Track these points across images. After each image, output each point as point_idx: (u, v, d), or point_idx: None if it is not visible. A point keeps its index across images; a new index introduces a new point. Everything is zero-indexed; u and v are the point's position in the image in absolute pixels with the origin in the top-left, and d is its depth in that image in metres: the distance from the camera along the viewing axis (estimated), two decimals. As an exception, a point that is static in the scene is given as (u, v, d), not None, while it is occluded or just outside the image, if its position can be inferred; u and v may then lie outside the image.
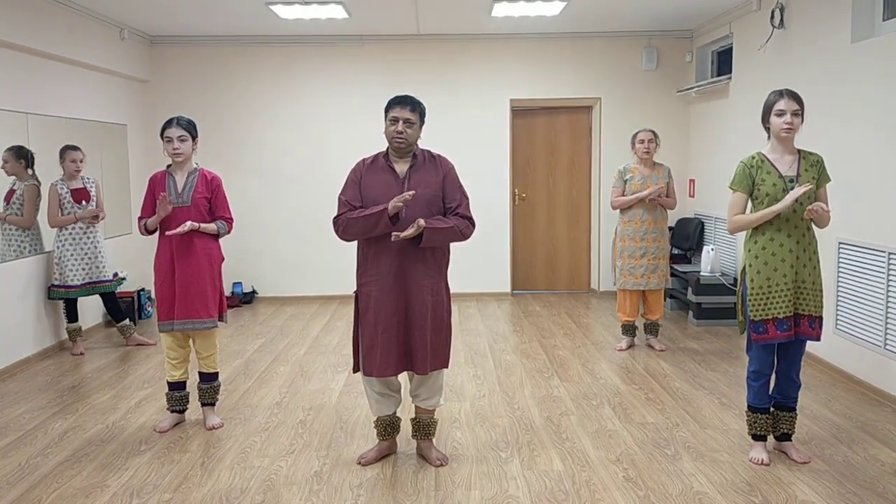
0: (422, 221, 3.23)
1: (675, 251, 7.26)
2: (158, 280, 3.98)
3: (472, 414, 4.31)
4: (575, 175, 8.08)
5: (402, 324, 3.41)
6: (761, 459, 3.52)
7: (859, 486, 3.29)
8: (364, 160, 3.53)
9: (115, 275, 5.93)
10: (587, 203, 8.11)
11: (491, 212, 7.61)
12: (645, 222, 5.43)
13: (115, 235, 6.68)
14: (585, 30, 7.50)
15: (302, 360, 5.52)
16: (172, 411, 4.15)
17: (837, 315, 4.89)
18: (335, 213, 3.47)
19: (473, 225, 3.47)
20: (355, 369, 3.57)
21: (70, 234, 5.60)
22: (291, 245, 7.87)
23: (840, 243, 4.83)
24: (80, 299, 5.84)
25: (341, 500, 3.24)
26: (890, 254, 4.36)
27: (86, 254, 5.66)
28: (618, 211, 5.57)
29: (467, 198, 3.51)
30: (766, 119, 3.49)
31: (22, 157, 5.51)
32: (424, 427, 3.62)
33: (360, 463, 3.60)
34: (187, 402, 4.18)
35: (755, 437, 3.60)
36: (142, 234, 4.02)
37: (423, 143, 3.54)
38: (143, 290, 6.99)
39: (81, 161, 5.69)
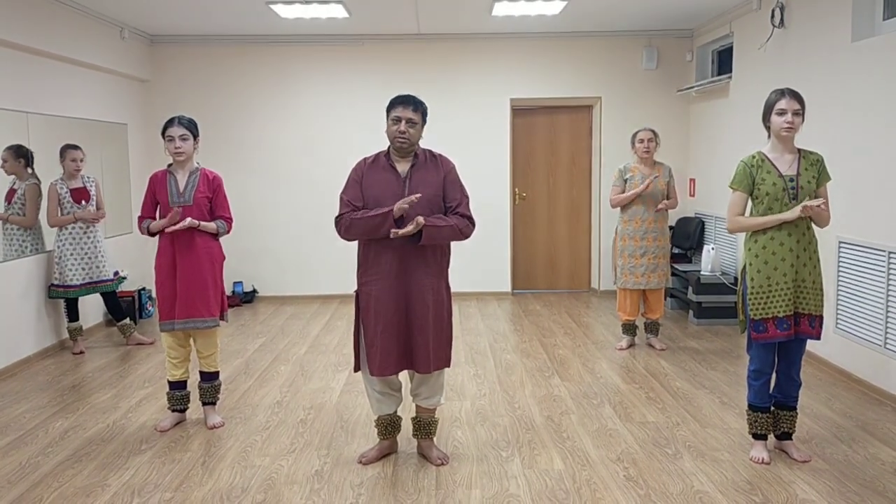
0: (421, 219, 3.23)
1: (676, 250, 7.26)
2: (159, 279, 3.98)
3: (472, 413, 4.31)
4: (575, 174, 8.08)
5: (402, 323, 3.41)
6: (762, 458, 3.52)
7: (860, 484, 3.29)
8: (365, 159, 3.53)
9: (116, 274, 5.93)
10: (587, 202, 8.11)
11: (491, 211, 7.61)
12: (645, 221, 5.43)
13: (115, 235, 6.68)
14: (586, 29, 7.50)
15: (302, 360, 5.52)
16: (173, 410, 4.15)
17: (838, 314, 4.90)
18: (337, 213, 3.47)
19: (473, 224, 3.48)
20: (356, 368, 3.57)
21: (70, 233, 5.60)
22: (292, 244, 7.87)
23: (840, 242, 4.83)
24: (80, 298, 5.84)
25: (342, 499, 3.24)
26: (890, 253, 4.36)
27: (86, 253, 5.66)
28: (618, 210, 5.57)
29: (467, 197, 3.51)
30: (766, 118, 3.49)
31: (21, 155, 5.51)
32: (425, 426, 3.62)
33: (360, 462, 3.60)
34: (188, 401, 4.18)
35: (756, 436, 3.60)
36: (142, 233, 4.02)
37: (423, 143, 3.55)
38: (143, 289, 6.99)
39: (81, 160, 5.69)
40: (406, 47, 7.66)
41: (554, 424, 4.10)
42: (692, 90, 7.23)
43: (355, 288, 3.53)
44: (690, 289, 6.49)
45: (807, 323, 3.44)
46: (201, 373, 4.16)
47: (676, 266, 6.86)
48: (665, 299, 6.02)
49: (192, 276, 3.94)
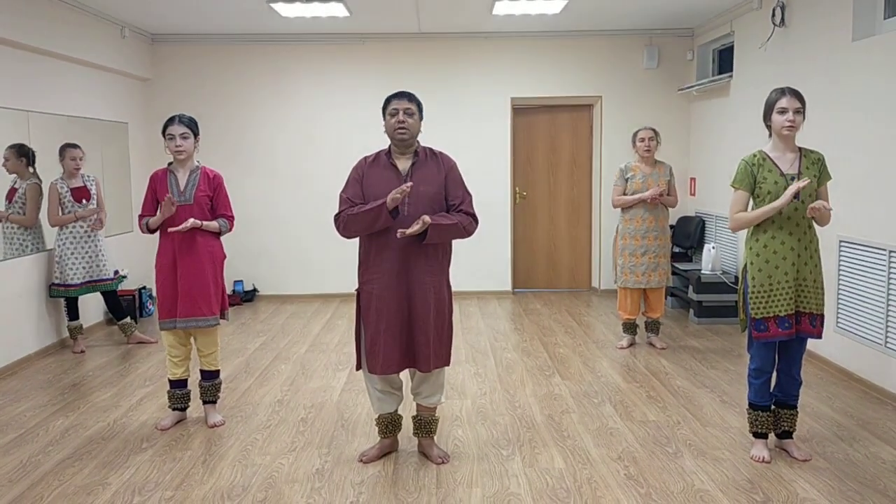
0: (427, 218, 3.23)
1: (676, 249, 7.26)
2: (160, 278, 3.98)
3: (473, 412, 4.31)
4: (576, 173, 8.08)
5: (404, 321, 3.41)
6: (762, 457, 3.52)
7: (860, 483, 3.29)
8: (366, 158, 3.54)
9: (116, 273, 5.93)
10: (588, 201, 8.11)
11: (492, 210, 7.61)
12: (646, 220, 5.43)
13: (116, 234, 6.68)
14: (586, 28, 7.49)
15: (303, 358, 5.52)
16: (174, 409, 4.15)
17: (838, 313, 4.89)
18: (336, 211, 3.48)
19: (477, 221, 3.48)
20: (358, 367, 3.57)
21: (70, 232, 5.60)
22: (292, 243, 7.87)
23: (841, 241, 4.83)
24: (81, 297, 5.84)
25: (343, 498, 3.24)
26: (891, 252, 4.36)
27: (86, 252, 5.66)
28: (619, 209, 5.57)
29: (470, 194, 3.51)
30: (767, 117, 3.49)
31: (23, 155, 5.51)
32: (426, 425, 3.62)
33: (361, 460, 3.60)
34: (189, 400, 4.18)
35: (756, 435, 3.60)
36: (143, 232, 4.02)
37: (424, 142, 3.55)
38: (144, 288, 7.00)
39: (81, 159, 5.69)
40: (406, 46, 7.66)
41: (554, 423, 4.10)
42: (693, 89, 7.23)
43: (356, 287, 3.53)
44: (691, 288, 6.50)
45: (808, 322, 3.44)
46: (202, 371, 4.17)
47: (677, 265, 6.86)
48: (665, 298, 6.03)
49: (194, 274, 3.94)
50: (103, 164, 6.66)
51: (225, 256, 4.15)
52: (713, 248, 6.44)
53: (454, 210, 3.44)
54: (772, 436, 3.68)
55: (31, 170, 5.57)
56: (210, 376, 4.15)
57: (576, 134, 8.04)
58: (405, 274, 3.39)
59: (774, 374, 3.56)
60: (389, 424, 3.64)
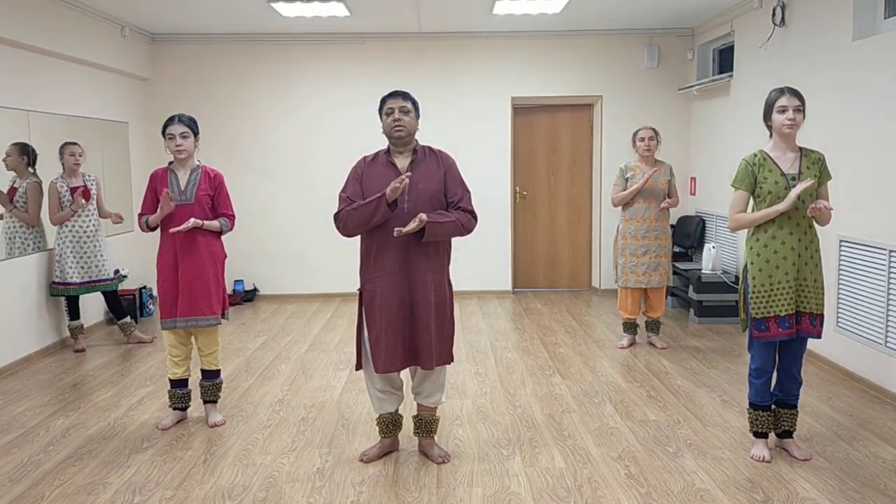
0: (423, 216, 3.24)
1: (677, 249, 7.26)
2: (161, 277, 3.98)
3: (473, 411, 4.31)
4: (576, 173, 8.08)
5: (407, 319, 3.42)
6: (763, 456, 3.52)
7: (860, 482, 3.29)
8: (365, 157, 3.54)
9: (117, 272, 5.93)
10: (588, 201, 8.11)
11: (492, 209, 7.61)
12: (647, 220, 5.43)
13: (116, 233, 6.68)
14: (587, 27, 7.49)
15: (303, 358, 5.52)
16: (174, 409, 4.15)
17: (838, 312, 4.89)
18: (336, 210, 3.48)
19: (476, 219, 3.48)
20: (358, 367, 3.57)
21: (71, 231, 5.60)
22: (293, 243, 7.87)
23: (841, 241, 4.83)
24: (81, 297, 5.84)
25: (343, 497, 3.24)
26: (891, 251, 4.36)
27: (86, 252, 5.66)
28: (619, 208, 5.57)
29: (469, 192, 3.51)
30: (767, 116, 3.49)
31: (25, 153, 5.52)
32: (426, 424, 3.62)
33: (361, 460, 3.61)
34: (189, 399, 4.19)
35: (756, 435, 3.60)
36: (143, 230, 4.02)
37: (424, 141, 3.55)
38: (144, 287, 7.00)
39: (80, 155, 5.69)
40: (407, 46, 7.66)
41: (555, 423, 4.10)
42: (693, 89, 7.23)
43: (358, 286, 3.53)
44: (691, 287, 6.50)
45: (808, 321, 3.44)
46: (202, 371, 4.17)
47: (677, 265, 6.86)
48: (666, 298, 6.03)
49: (194, 274, 3.94)
50: (103, 163, 6.66)
51: (226, 256, 4.15)
52: (713, 247, 6.44)
53: (453, 207, 3.44)
54: (772, 435, 3.69)
55: (30, 170, 5.57)
56: (211, 376, 4.16)
57: (576, 133, 8.04)
58: (406, 272, 3.39)
59: (775, 373, 3.56)
60: (390, 424, 3.64)
